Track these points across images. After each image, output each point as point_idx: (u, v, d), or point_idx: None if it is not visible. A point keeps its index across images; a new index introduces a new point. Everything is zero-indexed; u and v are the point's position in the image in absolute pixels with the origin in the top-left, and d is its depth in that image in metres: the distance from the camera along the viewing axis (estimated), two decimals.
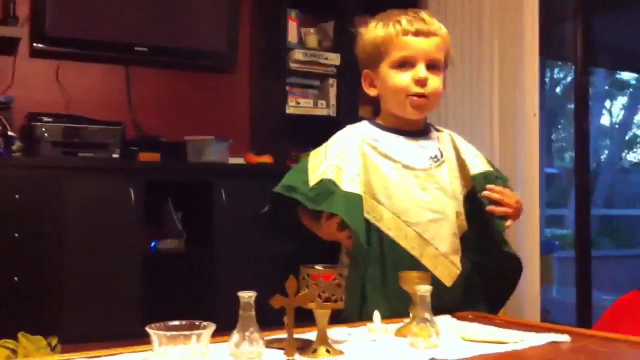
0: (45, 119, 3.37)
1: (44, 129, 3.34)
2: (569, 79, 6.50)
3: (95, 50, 3.74)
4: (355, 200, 1.48)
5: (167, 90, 4.02)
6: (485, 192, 1.55)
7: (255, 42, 4.23)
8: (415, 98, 1.55)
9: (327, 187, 1.49)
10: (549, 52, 4.75)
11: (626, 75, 6.99)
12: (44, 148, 3.34)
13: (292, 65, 4.04)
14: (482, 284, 1.62)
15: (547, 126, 5.98)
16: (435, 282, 1.43)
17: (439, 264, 1.51)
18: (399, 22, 1.56)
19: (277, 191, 1.55)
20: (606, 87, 6.94)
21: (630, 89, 7.09)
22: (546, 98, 6.00)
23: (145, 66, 3.93)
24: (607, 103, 7.06)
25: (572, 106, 3.89)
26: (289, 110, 4.02)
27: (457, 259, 1.55)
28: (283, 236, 1.72)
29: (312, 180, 1.51)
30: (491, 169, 1.64)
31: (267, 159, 3.83)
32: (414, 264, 1.48)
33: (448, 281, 1.52)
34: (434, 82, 1.56)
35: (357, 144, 1.57)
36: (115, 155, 3.48)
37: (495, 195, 1.55)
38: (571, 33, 3.75)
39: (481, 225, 1.60)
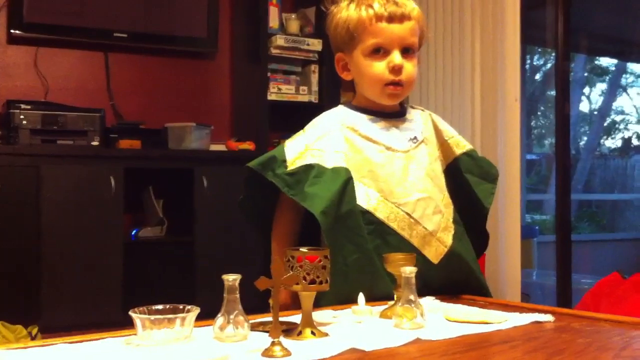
0: (24, 106, 3.34)
1: (22, 117, 3.31)
2: (548, 65, 6.53)
3: (73, 37, 3.70)
4: (332, 184, 1.45)
5: (147, 77, 3.98)
6: None
7: (236, 28, 4.20)
8: (391, 87, 1.54)
9: (308, 175, 1.47)
10: (529, 36, 4.77)
11: (605, 62, 7.05)
12: (23, 135, 3.30)
13: (274, 51, 4.02)
14: None
15: (526, 113, 6.02)
16: (422, 260, 1.45)
17: (427, 243, 1.51)
18: (371, 6, 1.52)
19: (252, 167, 1.51)
20: (585, 74, 6.99)
21: (609, 75, 7.15)
22: (526, 85, 6.04)
23: (125, 52, 3.90)
24: (586, 90, 7.11)
25: (552, 93, 3.91)
26: (271, 96, 4.01)
27: (444, 236, 1.55)
28: (261, 225, 1.65)
29: (291, 162, 1.49)
30: (472, 147, 1.68)
31: (249, 145, 3.82)
32: (402, 244, 1.48)
33: (435, 259, 1.52)
34: (409, 67, 1.55)
35: (337, 128, 1.56)
36: (95, 143, 3.45)
37: None
38: (551, 17, 3.77)
39: (461, 202, 1.62)
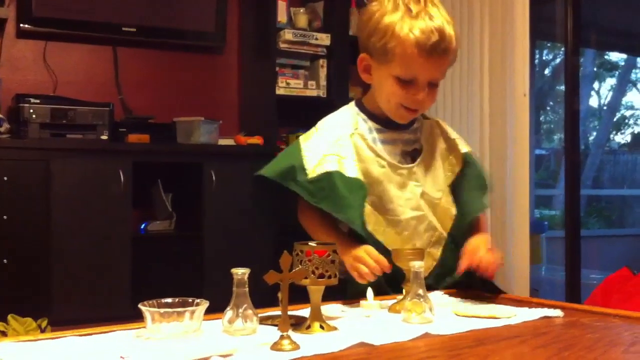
0: (33, 100, 3.34)
1: (31, 111, 3.31)
2: (557, 60, 6.50)
3: (82, 31, 3.70)
4: (357, 195, 1.45)
5: (155, 71, 3.99)
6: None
7: (244, 22, 4.20)
8: (406, 112, 1.53)
9: (330, 182, 1.45)
10: (538, 31, 4.74)
11: (614, 57, 7.01)
12: (32, 130, 3.31)
13: (282, 46, 4.01)
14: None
15: (535, 108, 5.99)
16: None
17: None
18: (413, 29, 1.44)
19: (269, 176, 1.50)
20: (595, 69, 6.95)
21: (619, 70, 7.11)
22: (535, 80, 6.01)
23: (133, 47, 3.90)
24: (596, 85, 7.07)
25: (561, 88, 3.89)
26: (279, 91, 4.00)
27: (434, 250, 1.55)
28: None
29: (311, 170, 1.47)
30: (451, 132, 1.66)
31: (257, 140, 3.82)
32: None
33: (425, 273, 1.49)
34: (430, 97, 1.53)
35: (349, 132, 1.54)
36: (103, 137, 3.46)
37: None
38: (560, 12, 3.75)
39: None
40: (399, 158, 1.56)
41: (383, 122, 1.57)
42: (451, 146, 1.64)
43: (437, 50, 1.45)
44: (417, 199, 1.53)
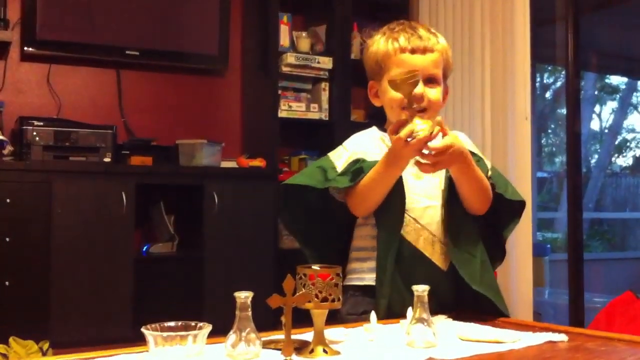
0: (36, 122, 3.36)
1: (35, 133, 3.33)
2: (558, 83, 6.53)
3: (86, 54, 3.73)
4: None
5: (158, 94, 4.01)
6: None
7: (247, 46, 4.22)
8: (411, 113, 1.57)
9: (356, 164, 1.57)
10: (539, 54, 4.77)
11: (615, 80, 7.04)
12: (35, 152, 3.32)
13: (284, 69, 4.03)
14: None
15: (537, 131, 6.00)
16: (432, 268, 1.53)
17: (436, 250, 1.56)
18: (397, 39, 1.62)
19: (300, 183, 1.59)
20: (595, 92, 6.98)
21: (620, 93, 7.14)
22: (536, 103, 6.03)
23: (137, 69, 3.92)
24: (597, 108, 7.10)
25: (562, 111, 3.90)
26: (281, 114, 4.01)
27: (452, 241, 1.57)
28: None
29: (341, 166, 1.60)
30: (475, 150, 1.67)
31: (259, 162, 3.82)
32: (408, 250, 1.53)
33: (444, 265, 1.56)
34: (431, 94, 1.60)
35: (372, 139, 1.67)
36: (106, 159, 3.47)
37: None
38: (561, 35, 3.77)
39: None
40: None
41: None
42: None
43: (419, 49, 1.61)
44: (434, 188, 1.61)
